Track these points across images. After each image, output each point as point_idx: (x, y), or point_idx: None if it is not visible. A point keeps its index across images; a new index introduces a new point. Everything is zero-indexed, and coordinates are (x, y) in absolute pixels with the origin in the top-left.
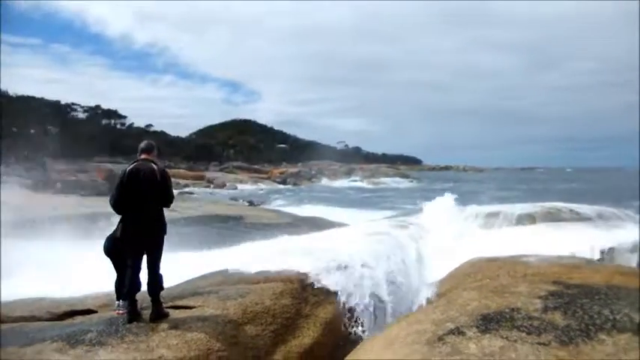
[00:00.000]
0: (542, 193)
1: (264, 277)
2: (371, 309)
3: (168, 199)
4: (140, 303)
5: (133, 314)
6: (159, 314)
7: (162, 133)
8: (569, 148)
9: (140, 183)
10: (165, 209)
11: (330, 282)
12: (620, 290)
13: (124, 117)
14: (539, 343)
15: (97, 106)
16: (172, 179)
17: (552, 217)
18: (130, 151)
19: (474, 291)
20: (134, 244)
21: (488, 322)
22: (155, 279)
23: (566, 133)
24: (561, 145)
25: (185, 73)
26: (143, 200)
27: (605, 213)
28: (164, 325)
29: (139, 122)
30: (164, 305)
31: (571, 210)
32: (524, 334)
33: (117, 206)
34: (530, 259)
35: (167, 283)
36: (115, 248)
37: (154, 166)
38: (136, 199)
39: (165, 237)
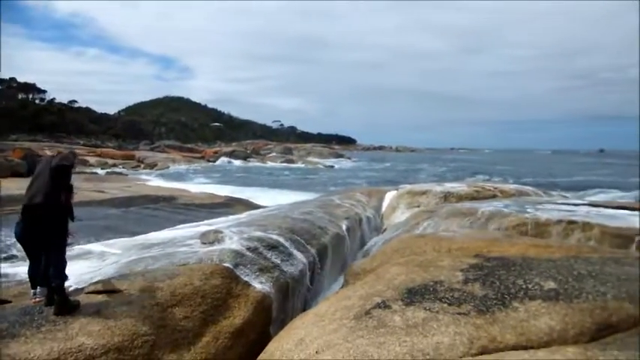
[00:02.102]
0: (469, 172)
1: (197, 258)
2: (303, 285)
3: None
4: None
5: (50, 299)
6: (61, 308)
7: (88, 110)
8: (498, 130)
9: (35, 169)
10: (96, 191)
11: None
12: (533, 261)
13: (44, 91)
14: (459, 313)
15: (12, 79)
16: (99, 158)
17: (479, 194)
18: (51, 128)
19: (401, 266)
20: (31, 231)
21: (413, 295)
22: (54, 270)
23: (496, 116)
24: (492, 128)
25: (113, 46)
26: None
27: (525, 190)
28: (86, 311)
29: (62, 97)
30: (88, 291)
31: (495, 187)
32: (445, 305)
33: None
34: (456, 235)
35: (88, 270)
36: (24, 234)
37: (54, 155)
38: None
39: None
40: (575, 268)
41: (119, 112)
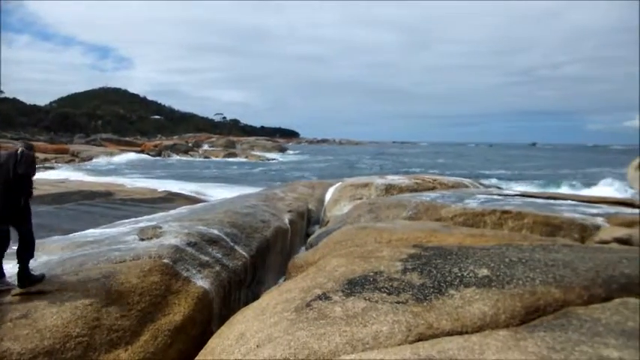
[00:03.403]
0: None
1: (134, 255)
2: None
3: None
4: None
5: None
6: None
7: (16, 101)
8: (438, 123)
9: None
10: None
11: (201, 255)
12: (468, 250)
13: None
14: (398, 302)
15: None
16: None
17: (419, 186)
18: None
19: (342, 258)
20: None
21: (354, 286)
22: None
23: (437, 110)
24: (432, 121)
25: (45, 33)
26: None
27: (463, 182)
28: (12, 315)
29: None
30: (14, 293)
31: (435, 180)
32: (385, 295)
33: None
34: (396, 226)
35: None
36: None
37: (12, 153)
38: None
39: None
40: (507, 255)
41: (51, 103)
